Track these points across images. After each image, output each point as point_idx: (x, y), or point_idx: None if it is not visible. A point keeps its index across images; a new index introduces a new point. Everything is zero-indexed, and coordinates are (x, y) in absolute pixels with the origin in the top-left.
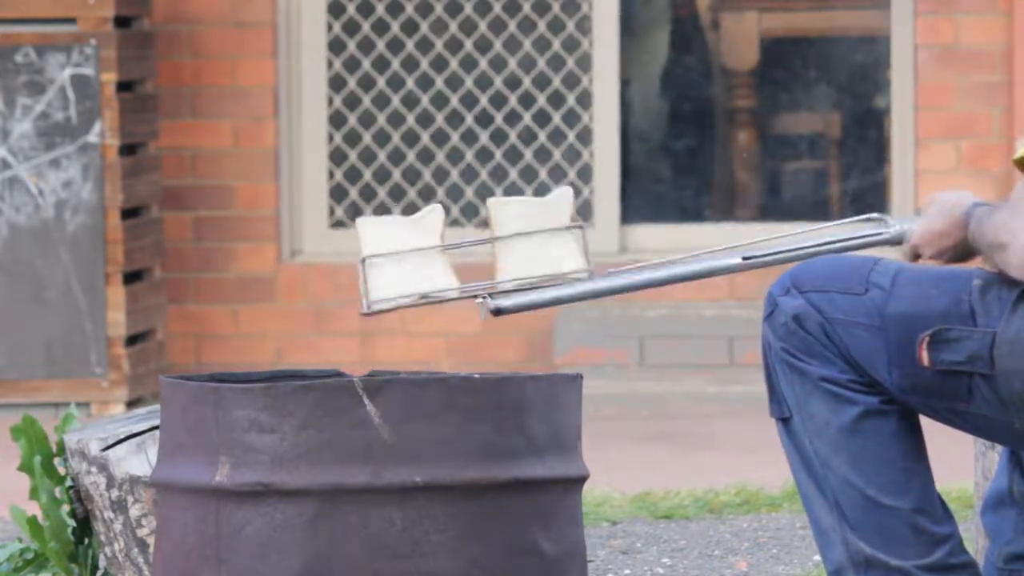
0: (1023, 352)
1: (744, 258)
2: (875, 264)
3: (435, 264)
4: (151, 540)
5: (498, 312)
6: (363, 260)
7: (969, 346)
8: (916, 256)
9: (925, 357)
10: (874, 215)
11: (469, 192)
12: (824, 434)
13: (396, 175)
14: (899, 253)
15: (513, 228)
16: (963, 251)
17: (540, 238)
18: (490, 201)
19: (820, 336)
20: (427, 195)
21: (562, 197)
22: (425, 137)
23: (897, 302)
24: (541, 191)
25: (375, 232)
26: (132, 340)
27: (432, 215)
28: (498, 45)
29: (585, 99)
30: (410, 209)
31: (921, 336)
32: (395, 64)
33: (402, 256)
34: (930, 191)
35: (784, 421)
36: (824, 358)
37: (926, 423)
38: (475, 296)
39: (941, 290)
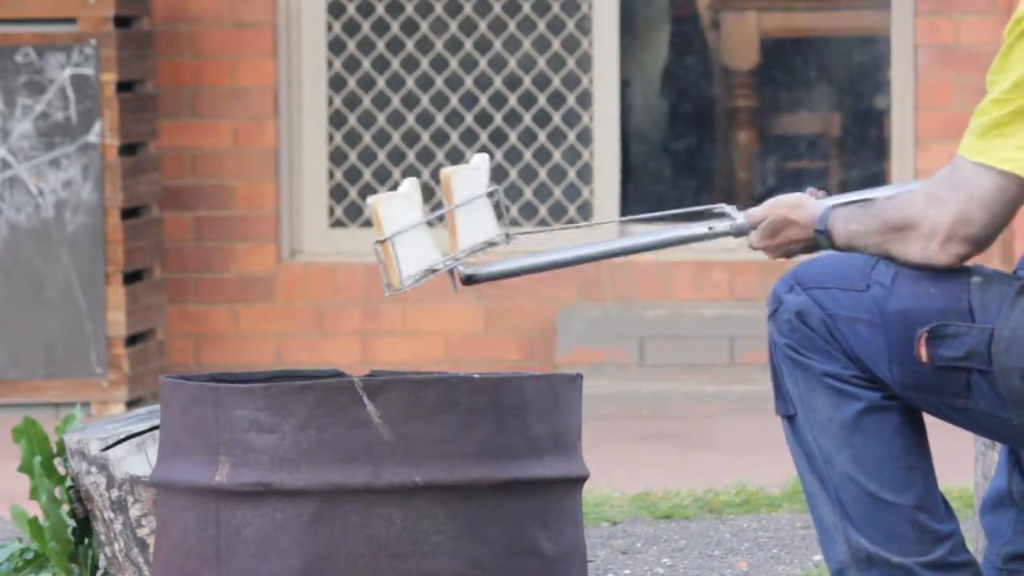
0: (1020, 348)
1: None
2: (877, 262)
3: (428, 237)
4: (151, 540)
5: (470, 280)
6: (381, 241)
7: (967, 342)
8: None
9: (924, 353)
10: (718, 207)
11: None
12: (827, 430)
13: (396, 175)
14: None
15: (463, 197)
16: (804, 250)
17: (477, 207)
18: (445, 171)
19: (823, 332)
20: (427, 195)
21: (481, 163)
22: (425, 137)
23: (897, 299)
24: (541, 191)
25: (390, 212)
26: (132, 340)
27: (414, 188)
28: (498, 45)
29: (585, 99)
30: None
31: (920, 332)
32: (395, 64)
33: (416, 231)
34: None
35: (789, 419)
36: (827, 354)
37: (928, 422)
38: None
39: (940, 287)
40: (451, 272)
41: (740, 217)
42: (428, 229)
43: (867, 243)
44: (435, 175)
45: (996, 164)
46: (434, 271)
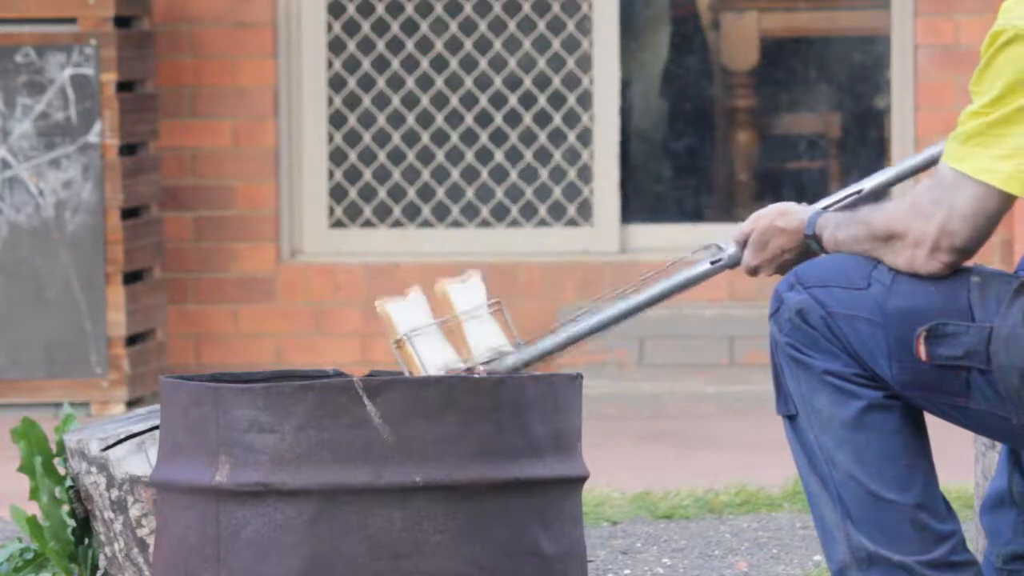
0: (1019, 347)
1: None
2: (878, 261)
3: (442, 338)
4: (151, 540)
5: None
6: (398, 340)
7: (966, 341)
8: (755, 274)
9: (923, 352)
10: (711, 244)
11: (469, 192)
12: (828, 428)
13: (396, 175)
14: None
15: (464, 308)
16: (798, 260)
17: (482, 319)
18: (439, 285)
19: (824, 330)
20: (427, 195)
21: (475, 284)
22: (425, 137)
23: (897, 297)
24: (541, 191)
25: (401, 313)
26: (132, 340)
27: (421, 295)
28: (498, 45)
29: (585, 99)
30: (410, 209)
31: (919, 331)
32: (395, 64)
33: (431, 332)
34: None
35: (790, 419)
36: (828, 352)
37: (928, 421)
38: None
39: (940, 286)
40: (470, 371)
41: (732, 246)
42: (440, 333)
43: (855, 250)
44: (435, 175)
45: (974, 175)
46: (469, 370)
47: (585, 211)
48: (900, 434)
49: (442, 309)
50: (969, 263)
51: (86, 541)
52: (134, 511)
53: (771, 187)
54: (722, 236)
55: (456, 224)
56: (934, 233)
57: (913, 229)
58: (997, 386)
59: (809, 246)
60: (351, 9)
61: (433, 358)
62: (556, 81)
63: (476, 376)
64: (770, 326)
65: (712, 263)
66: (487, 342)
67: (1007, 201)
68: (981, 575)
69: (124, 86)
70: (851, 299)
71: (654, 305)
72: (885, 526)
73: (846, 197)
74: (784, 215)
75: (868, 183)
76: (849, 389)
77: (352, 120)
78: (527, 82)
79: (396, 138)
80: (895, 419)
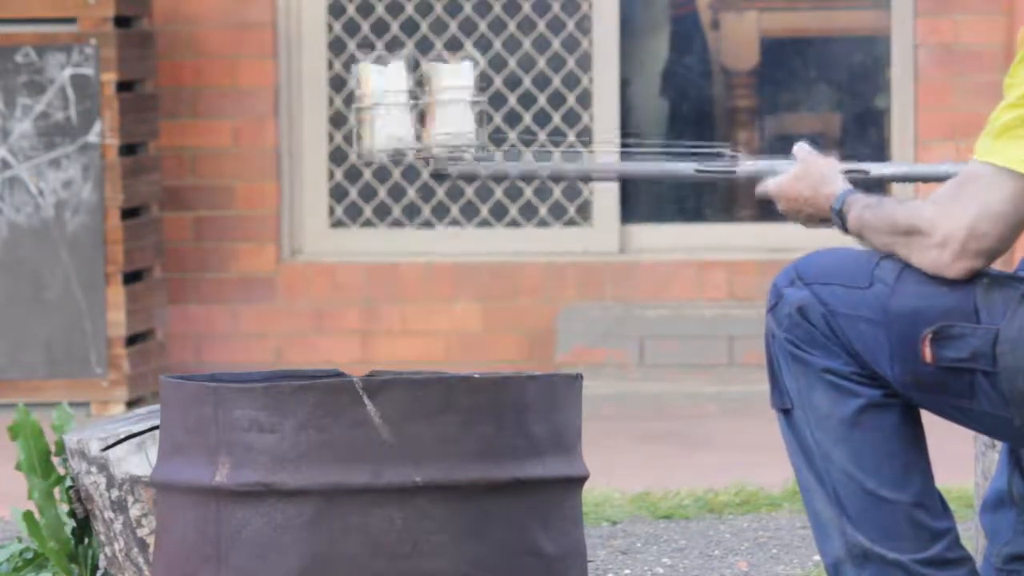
0: None
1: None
2: (880, 259)
3: (407, 119)
4: (151, 540)
5: (438, 175)
6: (361, 108)
7: (972, 343)
8: (764, 197)
9: (928, 353)
10: (727, 150)
11: (469, 192)
12: (825, 426)
13: (396, 175)
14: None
15: (444, 94)
16: (812, 223)
17: (460, 109)
18: (427, 65)
19: (824, 328)
20: (427, 195)
21: (465, 69)
22: None
23: (901, 298)
24: (541, 191)
25: (378, 81)
26: (132, 340)
27: (403, 69)
28: (498, 45)
29: (585, 99)
30: (410, 210)
31: (924, 332)
32: None
33: (398, 109)
34: (930, 191)
35: (785, 412)
36: (827, 350)
37: (927, 422)
38: (428, 156)
39: (946, 287)
40: (426, 161)
41: (744, 163)
42: (408, 112)
43: (874, 239)
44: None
45: (1011, 165)
46: (403, 154)
47: (585, 211)
48: (898, 433)
49: (427, 87)
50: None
51: (86, 541)
52: (134, 511)
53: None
54: (722, 236)
55: (456, 224)
56: (962, 235)
57: (939, 228)
58: (1002, 388)
59: (829, 218)
60: (351, 9)
61: (381, 138)
62: (556, 81)
63: (477, 376)
64: (767, 320)
65: (726, 170)
66: (451, 131)
67: None
68: (976, 572)
69: (124, 86)
70: (852, 298)
71: (642, 178)
72: (881, 524)
73: (851, 171)
74: (825, 179)
75: (875, 169)
76: (847, 387)
77: (352, 120)
78: (527, 82)
79: None
80: (893, 418)
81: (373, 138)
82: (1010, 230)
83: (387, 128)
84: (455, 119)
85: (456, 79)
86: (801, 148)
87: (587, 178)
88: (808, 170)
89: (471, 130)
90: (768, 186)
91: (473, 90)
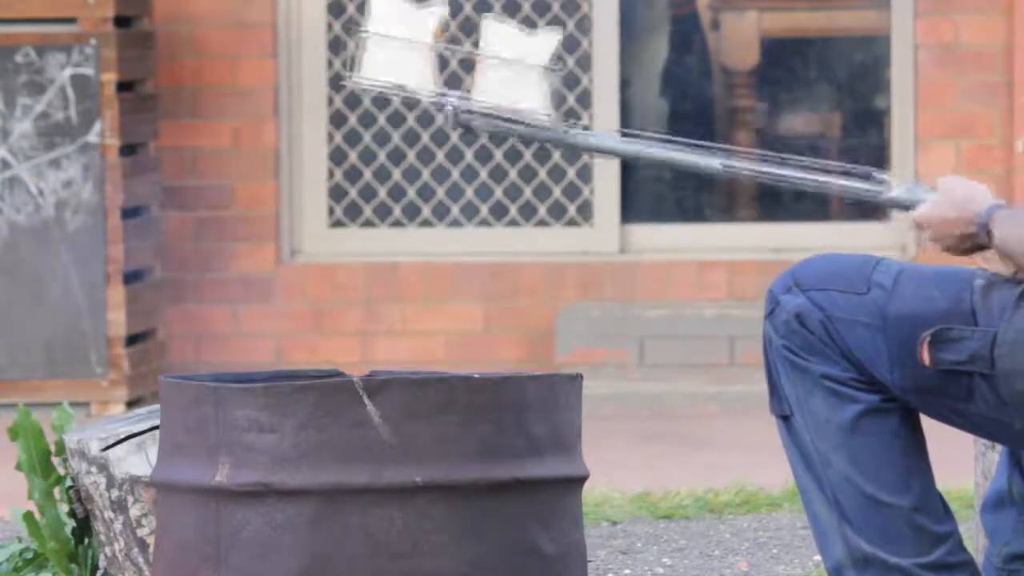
0: (1023, 352)
1: (723, 165)
2: (877, 264)
3: (421, 61)
4: (151, 540)
5: (463, 127)
6: (363, 33)
7: (970, 346)
8: (920, 229)
9: (926, 357)
10: (876, 173)
11: (469, 192)
12: (825, 432)
13: (396, 175)
14: (900, 221)
15: (498, 51)
16: (964, 247)
17: (517, 68)
18: (485, 19)
19: (822, 334)
20: (427, 195)
21: (550, 36)
22: (425, 137)
23: (899, 302)
24: (541, 191)
25: (385, 10)
26: (132, 340)
27: (436, 14)
28: None
29: (585, 99)
30: (410, 210)
31: (922, 336)
32: None
33: (399, 43)
34: None
35: (785, 419)
36: (825, 356)
37: (926, 423)
38: (442, 103)
39: (943, 290)
40: (447, 110)
41: (894, 188)
42: (429, 59)
43: (1020, 251)
44: (435, 175)
45: None
46: (403, 88)
47: (585, 211)
48: (897, 437)
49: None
50: (971, 267)
51: (86, 541)
52: (134, 511)
53: (771, 187)
54: (723, 236)
55: (456, 224)
56: None
57: None
58: (1000, 391)
59: (978, 234)
60: (351, 9)
61: (375, 66)
62: (556, 81)
63: (477, 376)
64: (765, 326)
65: (872, 192)
66: (505, 93)
67: None
68: (978, 574)
69: (124, 86)
70: (850, 303)
71: (785, 183)
72: (882, 529)
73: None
74: (970, 199)
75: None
76: (846, 393)
77: (352, 120)
78: None
79: (396, 138)
80: (892, 423)
81: (364, 65)
82: None
83: (387, 62)
84: (516, 87)
85: (524, 46)
86: (945, 178)
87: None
88: (952, 195)
89: (539, 103)
90: (915, 215)
91: (550, 59)
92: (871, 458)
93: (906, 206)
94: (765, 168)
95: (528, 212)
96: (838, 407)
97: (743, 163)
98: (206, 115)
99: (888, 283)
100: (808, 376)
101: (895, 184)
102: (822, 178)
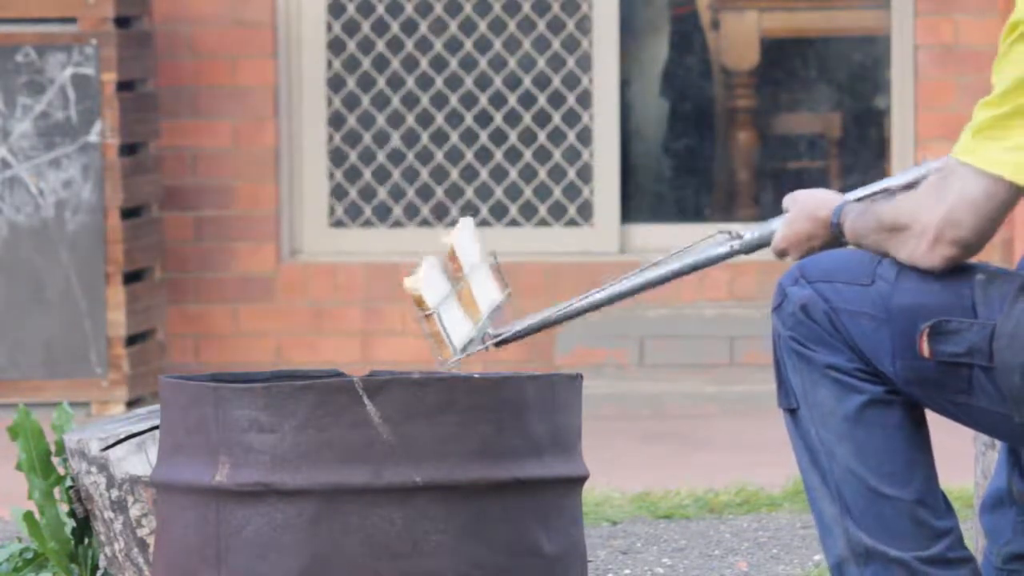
0: (1022, 345)
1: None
2: (883, 257)
3: (457, 305)
4: (151, 540)
5: (502, 343)
6: (428, 315)
7: (968, 338)
8: (783, 256)
9: (925, 348)
10: (725, 229)
11: (469, 192)
12: (829, 422)
13: (396, 175)
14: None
15: (467, 262)
16: (829, 249)
17: (479, 270)
18: (445, 239)
19: (826, 325)
20: (427, 195)
21: (468, 225)
22: (425, 137)
23: (901, 294)
24: (541, 191)
25: (430, 285)
26: (132, 340)
27: (437, 264)
28: (498, 45)
29: (585, 99)
30: (410, 210)
31: (922, 327)
32: (395, 64)
33: (449, 301)
34: None
35: (791, 412)
36: (831, 346)
37: (929, 419)
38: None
39: (944, 283)
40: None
41: (748, 233)
42: (455, 297)
43: (868, 242)
44: (434, 175)
45: (985, 166)
46: (482, 342)
47: (585, 211)
48: (901, 430)
49: (452, 263)
50: (973, 260)
51: (86, 541)
52: (134, 511)
53: (771, 187)
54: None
55: (456, 224)
56: (937, 223)
57: (918, 219)
58: (999, 383)
59: (835, 236)
60: (351, 9)
61: (455, 335)
62: (556, 81)
63: (477, 376)
64: (773, 320)
65: (731, 247)
66: (488, 298)
67: (1015, 194)
68: (978, 572)
69: (124, 86)
70: (855, 295)
71: (663, 283)
72: (883, 521)
73: (875, 193)
74: (819, 205)
75: (895, 182)
76: (851, 384)
77: (352, 120)
78: (527, 82)
79: (396, 138)
80: (896, 415)
81: (451, 341)
82: (986, 221)
83: (453, 325)
84: (485, 288)
85: (469, 246)
86: (789, 195)
87: (628, 295)
88: (800, 209)
89: (497, 292)
90: (775, 244)
91: (482, 255)
92: (875, 449)
93: (764, 241)
94: (616, 289)
95: (528, 212)
96: (843, 397)
97: (585, 301)
98: (206, 115)
99: (892, 276)
100: (814, 367)
101: (744, 232)
102: (675, 266)
